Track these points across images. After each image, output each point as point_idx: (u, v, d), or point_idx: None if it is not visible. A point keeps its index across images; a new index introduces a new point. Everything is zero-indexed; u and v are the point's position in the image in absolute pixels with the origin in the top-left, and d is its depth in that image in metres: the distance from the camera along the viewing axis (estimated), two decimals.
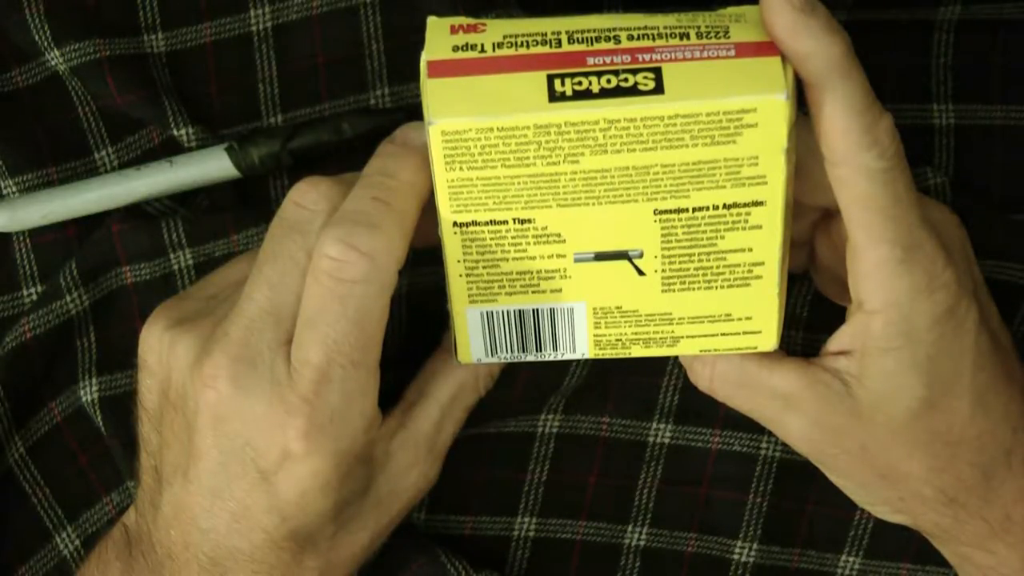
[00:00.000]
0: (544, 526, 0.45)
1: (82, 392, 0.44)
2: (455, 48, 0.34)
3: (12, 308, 0.45)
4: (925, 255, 0.34)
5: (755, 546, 0.45)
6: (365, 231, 0.34)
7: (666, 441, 0.44)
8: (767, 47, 0.33)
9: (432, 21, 0.35)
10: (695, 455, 0.44)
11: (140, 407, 0.39)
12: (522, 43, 0.34)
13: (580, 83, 0.33)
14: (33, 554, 0.45)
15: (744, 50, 0.33)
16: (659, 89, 0.32)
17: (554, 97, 0.33)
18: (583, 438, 0.45)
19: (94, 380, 0.44)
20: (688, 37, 0.33)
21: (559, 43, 0.34)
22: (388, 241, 0.34)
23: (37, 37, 0.42)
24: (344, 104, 0.44)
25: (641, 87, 0.33)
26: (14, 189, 0.44)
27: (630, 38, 0.33)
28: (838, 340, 0.36)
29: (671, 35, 0.33)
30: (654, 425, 0.44)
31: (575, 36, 0.34)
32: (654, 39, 0.33)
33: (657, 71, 0.33)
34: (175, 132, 0.43)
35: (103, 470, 0.45)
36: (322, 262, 0.34)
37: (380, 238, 0.34)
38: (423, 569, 0.42)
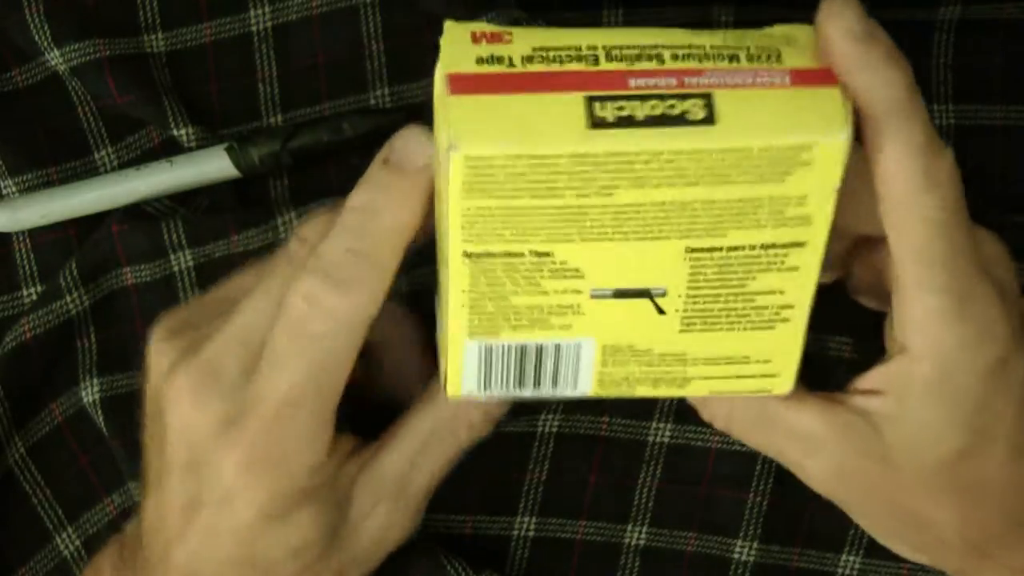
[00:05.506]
0: (544, 526, 0.45)
1: (83, 393, 0.44)
2: (479, 60, 0.30)
3: (12, 308, 0.45)
4: (979, 307, 0.32)
5: (755, 545, 0.45)
6: (332, 290, 0.33)
7: (666, 440, 0.44)
8: (824, 75, 0.30)
9: (449, 26, 0.31)
10: (695, 454, 0.44)
11: (140, 411, 0.39)
12: (555, 58, 0.30)
13: (622, 108, 0.30)
14: (33, 555, 0.45)
15: (800, 78, 0.30)
16: (709, 119, 0.29)
17: (594, 123, 0.29)
18: (583, 438, 0.44)
19: (95, 381, 0.44)
20: (738, 60, 0.30)
21: (596, 60, 0.30)
22: (357, 298, 0.33)
23: (37, 37, 0.42)
24: (344, 104, 0.44)
25: (690, 116, 0.29)
26: (14, 189, 0.44)
27: (674, 57, 0.30)
28: (871, 378, 0.34)
29: (719, 56, 0.31)
30: (654, 424, 0.44)
31: (613, 53, 0.31)
32: (701, 60, 0.30)
33: (707, 98, 0.30)
34: (175, 132, 0.43)
35: (104, 471, 0.45)
36: (290, 309, 0.33)
37: (348, 298, 0.33)
38: (423, 569, 0.42)
